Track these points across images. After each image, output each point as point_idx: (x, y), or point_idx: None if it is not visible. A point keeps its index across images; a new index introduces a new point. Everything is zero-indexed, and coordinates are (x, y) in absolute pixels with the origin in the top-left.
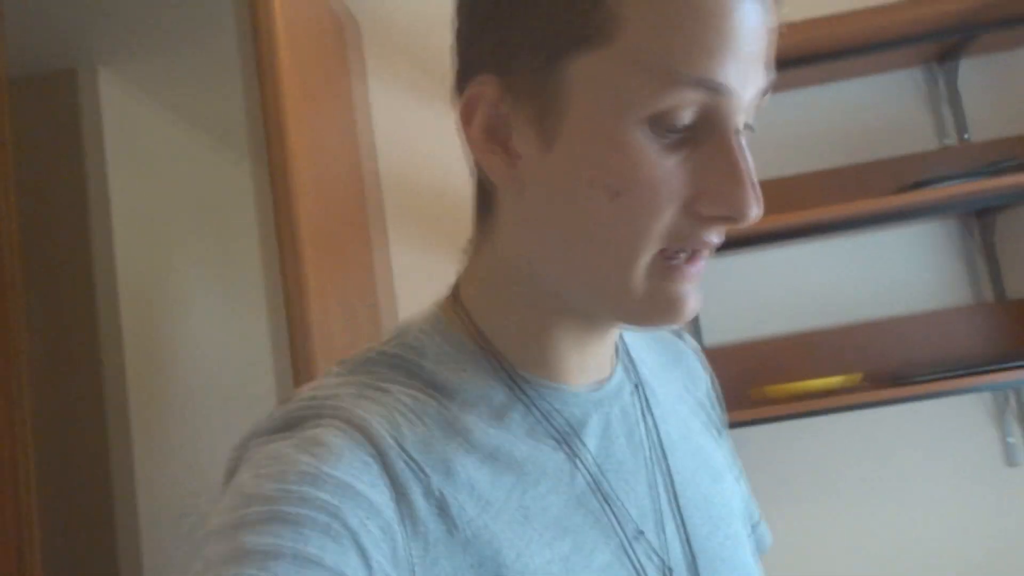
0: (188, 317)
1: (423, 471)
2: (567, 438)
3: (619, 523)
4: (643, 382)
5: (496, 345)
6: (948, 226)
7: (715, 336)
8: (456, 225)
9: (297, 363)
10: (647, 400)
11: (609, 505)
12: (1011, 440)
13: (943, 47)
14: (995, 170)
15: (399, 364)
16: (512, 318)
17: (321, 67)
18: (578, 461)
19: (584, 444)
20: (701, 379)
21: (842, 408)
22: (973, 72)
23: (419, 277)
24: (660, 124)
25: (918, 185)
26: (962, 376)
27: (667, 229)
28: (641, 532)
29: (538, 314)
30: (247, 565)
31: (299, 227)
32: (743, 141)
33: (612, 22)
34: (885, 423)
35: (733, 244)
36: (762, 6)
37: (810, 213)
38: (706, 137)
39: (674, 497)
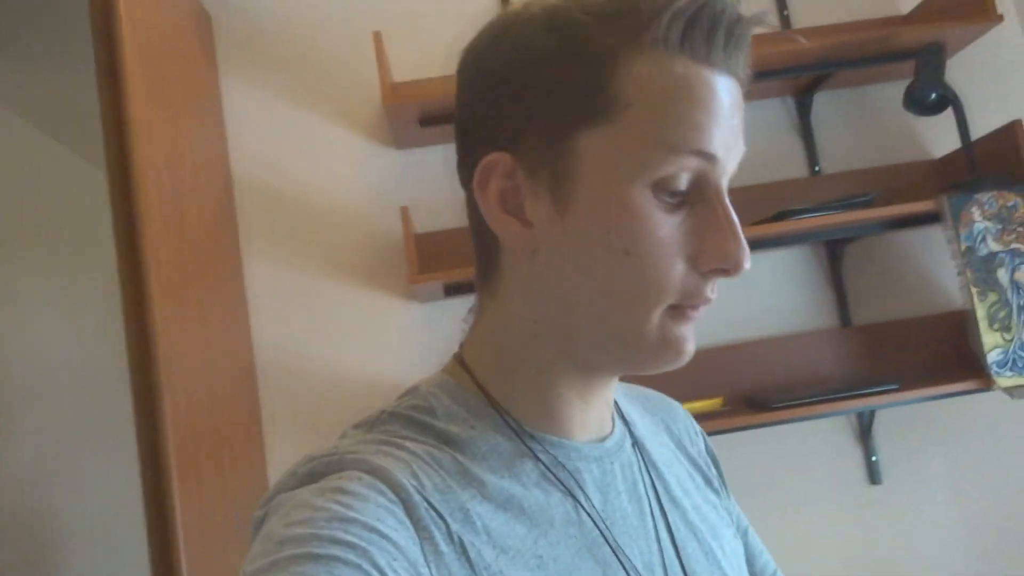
0: (26, 321)
1: (442, 517)
2: (572, 490)
3: (624, 570)
4: (639, 440)
5: (502, 403)
6: (806, 253)
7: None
8: (309, 231)
9: (136, 369)
10: (645, 456)
11: (616, 556)
12: (875, 459)
13: (803, 81)
14: (844, 205)
15: (411, 421)
16: (517, 378)
17: (175, 64)
18: (584, 512)
19: (589, 496)
20: (695, 439)
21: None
22: (827, 106)
23: (273, 284)
24: (662, 189)
25: (778, 217)
26: (819, 402)
27: (679, 283)
28: None
29: (542, 374)
30: None
31: (143, 234)
32: (728, 201)
33: (617, 103)
34: (750, 445)
35: None
36: (736, 87)
37: None
38: (699, 199)
39: (675, 551)
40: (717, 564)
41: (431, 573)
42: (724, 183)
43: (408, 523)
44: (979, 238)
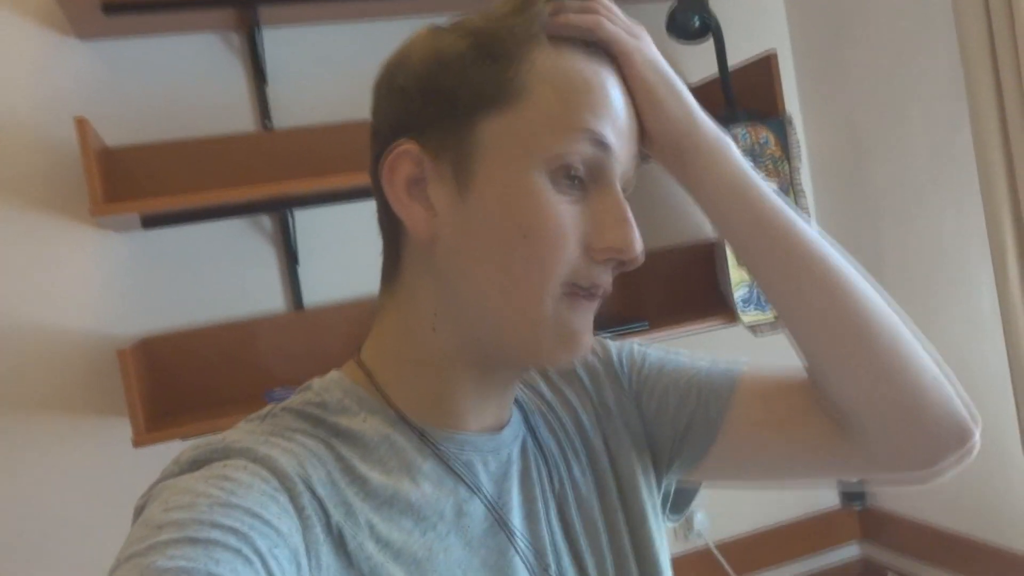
0: None
1: (324, 508)
2: (465, 479)
3: (521, 559)
4: (535, 426)
5: (395, 399)
6: None
7: (316, 296)
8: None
9: None
10: (540, 442)
11: (512, 543)
12: None
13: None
14: None
15: (303, 415)
16: (409, 374)
17: None
18: (479, 501)
19: (482, 485)
20: (600, 374)
21: None
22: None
23: None
24: (559, 173)
25: None
26: None
27: (570, 266)
28: (539, 564)
29: (441, 368)
30: None
31: None
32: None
33: (517, 89)
34: None
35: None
36: (617, 81)
37: None
38: (593, 187)
39: (567, 535)
40: (619, 544)
41: (310, 563)
42: (619, 176)
43: (292, 511)
44: None
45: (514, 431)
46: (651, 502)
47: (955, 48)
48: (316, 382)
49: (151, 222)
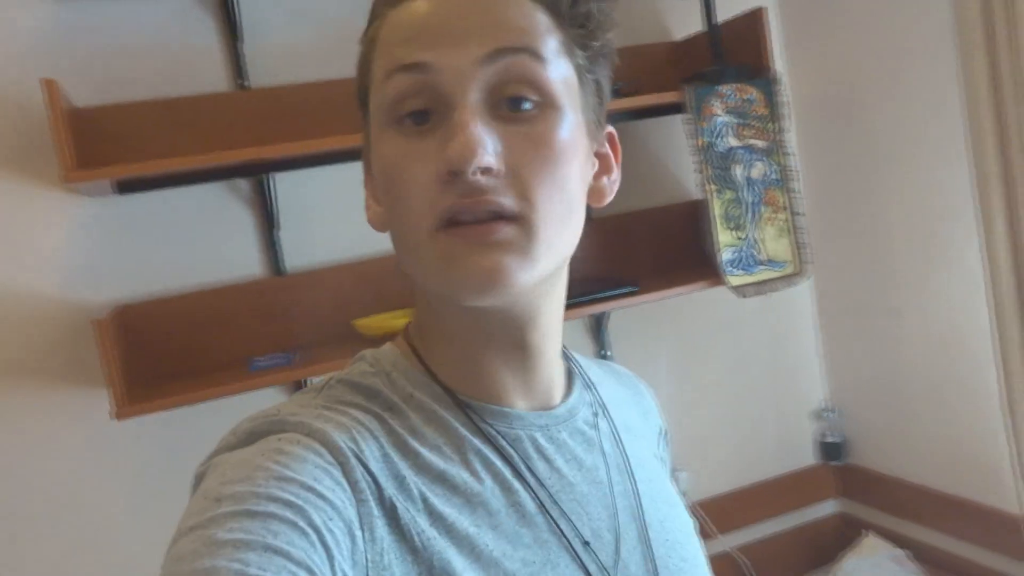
0: None
1: (377, 482)
2: (511, 459)
3: (568, 540)
4: (605, 406)
5: (438, 373)
6: None
7: (297, 261)
8: None
9: None
10: (612, 423)
11: (556, 523)
12: (608, 354)
13: None
14: None
15: (358, 388)
16: (442, 346)
17: None
18: (523, 481)
19: (529, 464)
20: (655, 418)
21: None
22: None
23: None
24: (394, 116)
25: None
26: None
27: (429, 204)
28: (588, 545)
29: (457, 343)
30: (219, 556)
31: None
32: (472, 107)
33: (371, 64)
34: None
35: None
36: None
37: None
38: (445, 118)
39: (640, 515)
40: (673, 533)
41: (364, 536)
42: (469, 92)
43: (345, 484)
44: (719, 132)
45: (570, 410)
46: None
47: (945, 2)
48: (369, 353)
49: (125, 187)
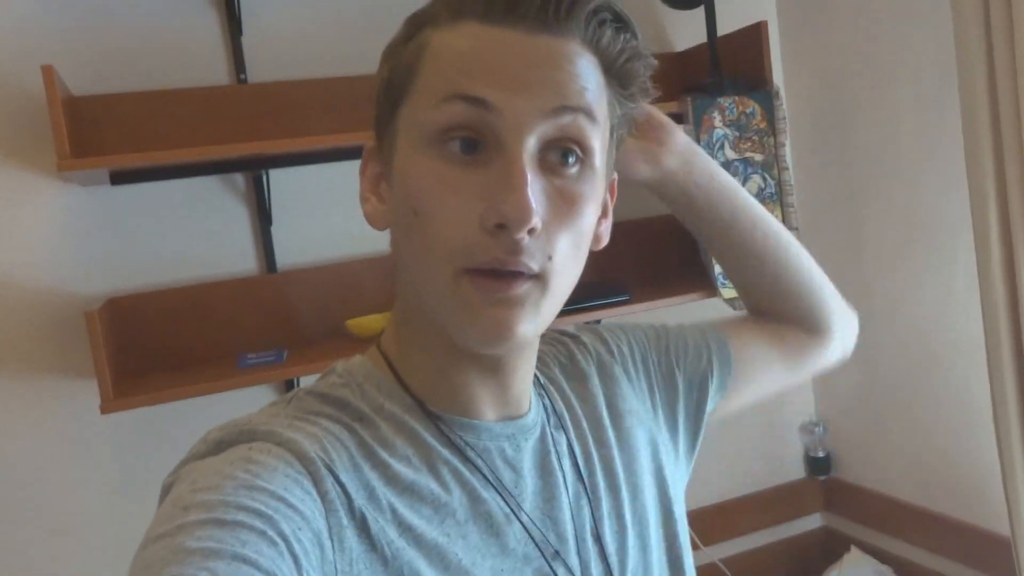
0: None
1: (347, 492)
2: (481, 468)
3: (537, 547)
4: (564, 413)
5: (410, 384)
6: None
7: (290, 258)
8: None
9: None
10: (570, 431)
11: (527, 531)
12: None
13: None
14: None
15: (327, 399)
16: (418, 358)
17: None
18: (493, 490)
19: (498, 474)
20: (592, 365)
21: None
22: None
23: None
24: (440, 141)
25: None
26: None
27: (465, 243)
28: (557, 553)
29: (438, 352)
30: (187, 564)
31: None
32: (526, 157)
33: (416, 76)
34: None
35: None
36: (543, 42)
37: None
38: (496, 157)
39: (594, 523)
40: (641, 532)
41: (333, 546)
42: (524, 138)
43: (315, 494)
44: (718, 145)
45: (533, 419)
46: (675, 491)
47: (945, 16)
48: (339, 365)
49: (120, 178)
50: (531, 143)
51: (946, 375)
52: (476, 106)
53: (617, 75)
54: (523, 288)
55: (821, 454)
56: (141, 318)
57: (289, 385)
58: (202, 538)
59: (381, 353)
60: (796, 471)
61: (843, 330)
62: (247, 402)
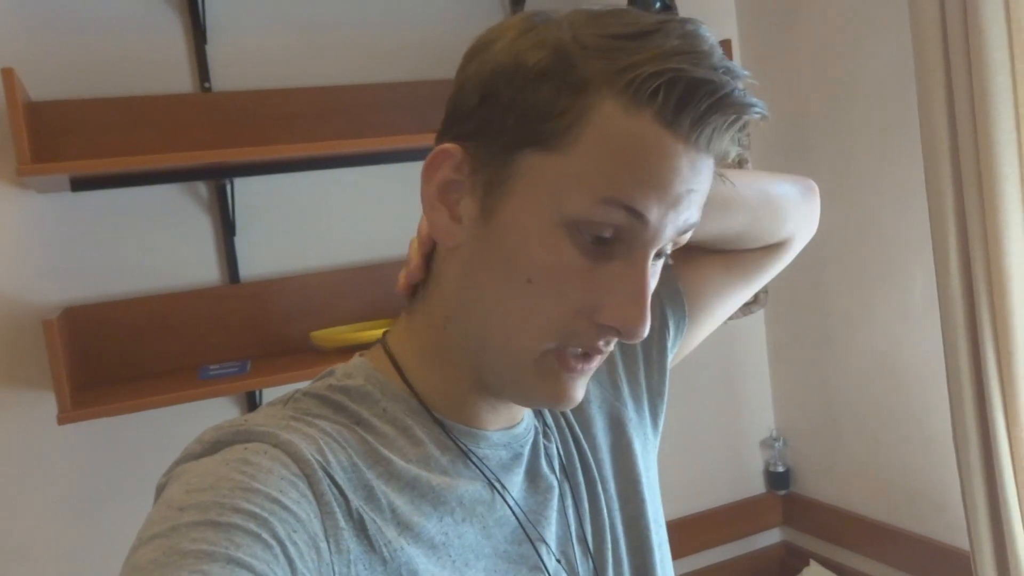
0: None
1: (344, 493)
2: (483, 472)
3: (533, 547)
4: (549, 425)
5: (417, 390)
6: None
7: (253, 268)
8: None
9: None
10: (552, 433)
11: (524, 533)
12: None
13: None
14: None
15: (325, 401)
16: (434, 369)
17: None
18: (496, 493)
19: (498, 478)
20: (606, 379)
21: None
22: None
23: None
24: (583, 232)
25: None
26: None
27: (565, 326)
28: (548, 554)
29: (448, 367)
30: (180, 567)
31: None
32: (650, 267)
33: (569, 136)
34: None
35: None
36: (700, 159)
37: (375, 141)
38: (620, 254)
39: (582, 530)
40: (632, 529)
41: (330, 548)
42: (654, 248)
43: (311, 497)
44: None
45: (526, 428)
46: (644, 464)
47: (905, 38)
48: (339, 367)
49: (80, 184)
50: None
51: (905, 390)
52: (636, 218)
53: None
54: (593, 365)
55: (781, 469)
56: (101, 328)
57: (251, 397)
58: (196, 540)
59: (388, 355)
60: (756, 486)
61: (805, 227)
62: (209, 414)
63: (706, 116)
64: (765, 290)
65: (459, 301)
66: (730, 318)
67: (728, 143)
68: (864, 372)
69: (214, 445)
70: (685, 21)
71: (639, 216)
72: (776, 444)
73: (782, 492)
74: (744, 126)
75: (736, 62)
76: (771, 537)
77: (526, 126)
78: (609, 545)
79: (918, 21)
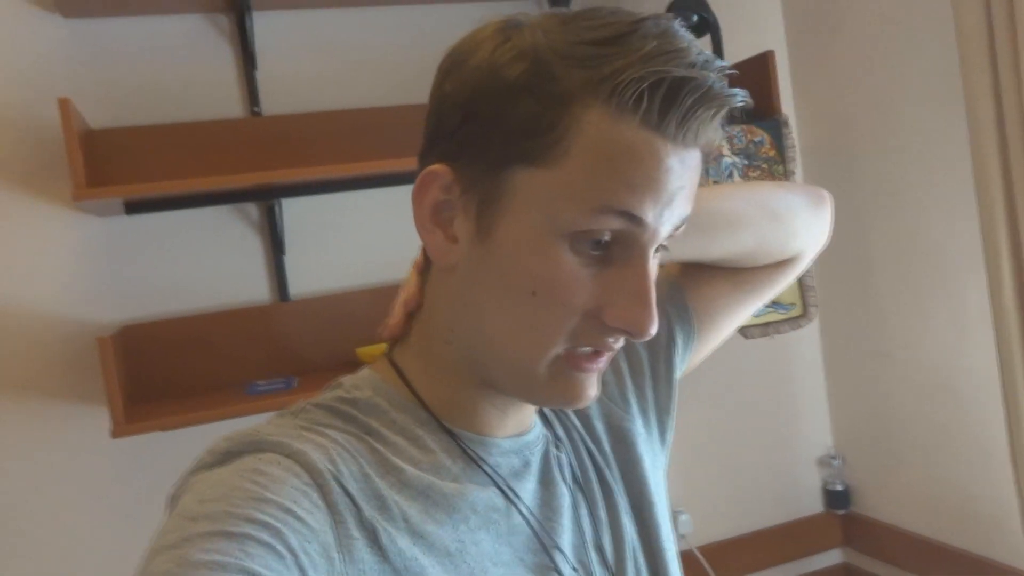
0: None
1: (356, 503)
2: (495, 480)
3: (547, 555)
4: (556, 423)
5: (425, 400)
6: None
7: (302, 287)
8: None
9: None
10: (564, 443)
11: (539, 541)
12: None
13: None
14: None
15: (334, 412)
16: (440, 380)
17: None
18: (505, 501)
19: (509, 485)
20: (616, 394)
21: None
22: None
23: None
24: (582, 240)
25: None
26: None
27: (573, 331)
28: (562, 562)
29: (454, 379)
30: None
31: None
32: (651, 265)
33: (559, 149)
34: None
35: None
36: (690, 156)
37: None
38: (620, 257)
39: (595, 535)
40: (647, 540)
41: (342, 558)
42: (652, 247)
43: (323, 507)
44: (726, 173)
45: (536, 435)
46: (654, 479)
47: (951, 47)
48: (346, 379)
49: (134, 207)
50: (655, 250)
51: (961, 407)
52: (633, 223)
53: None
54: (604, 362)
55: (839, 487)
56: (153, 346)
57: None
58: (208, 550)
59: (393, 366)
60: (814, 505)
61: (814, 241)
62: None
63: (691, 113)
64: (815, 303)
65: (461, 318)
66: (778, 332)
67: (713, 133)
68: (920, 386)
69: (226, 455)
70: (659, 18)
71: (636, 220)
72: (834, 462)
73: (841, 512)
74: (726, 116)
75: (781, 75)
76: (831, 558)
77: (513, 143)
78: (628, 555)
79: (962, 23)
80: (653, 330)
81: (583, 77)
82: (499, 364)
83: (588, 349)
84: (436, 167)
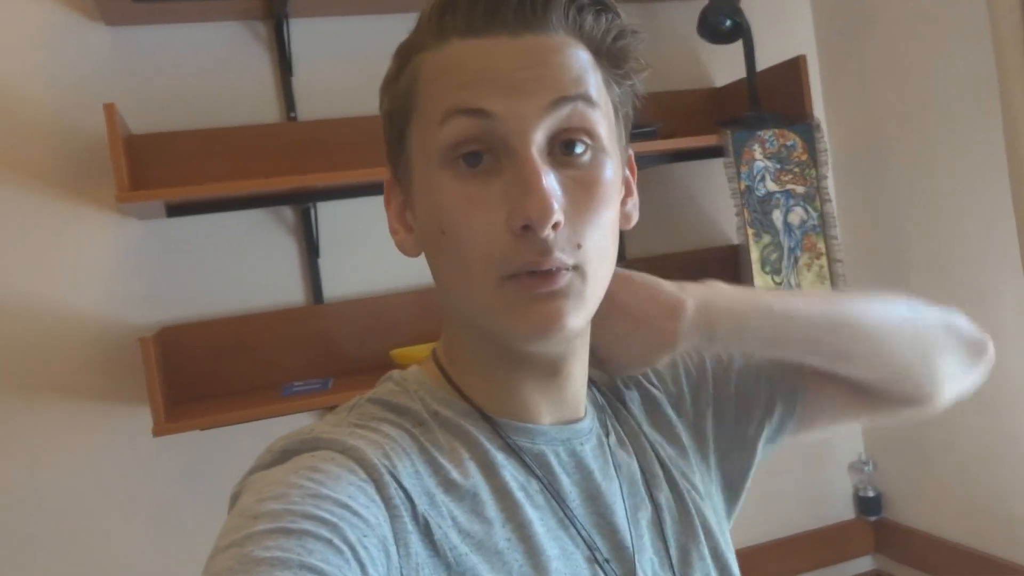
0: None
1: (411, 498)
2: (537, 471)
3: (590, 550)
4: (614, 426)
5: (466, 392)
6: None
7: (336, 289)
8: None
9: None
10: (626, 444)
11: (581, 536)
12: None
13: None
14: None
15: (388, 405)
16: (471, 368)
17: None
18: (550, 494)
19: (556, 477)
20: (661, 403)
21: None
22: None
23: None
24: (452, 158)
25: None
26: None
27: (499, 252)
28: (608, 560)
29: (491, 361)
30: (255, 574)
31: None
32: (536, 161)
33: (415, 99)
34: None
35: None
36: (530, 40)
37: None
38: (504, 165)
39: (660, 530)
40: (699, 540)
41: (399, 551)
42: (532, 141)
43: (379, 501)
44: (758, 177)
45: (588, 426)
46: (720, 521)
47: (987, 49)
48: (396, 374)
49: (175, 210)
50: (538, 141)
51: (996, 412)
52: (477, 117)
53: (608, 56)
54: (564, 281)
55: (871, 493)
56: (192, 347)
57: None
58: (269, 547)
59: (435, 363)
60: (844, 511)
61: (954, 387)
62: (292, 429)
63: (492, 4)
64: None
65: (445, 294)
66: None
67: (553, 11)
68: None
69: (283, 454)
70: None
71: (482, 112)
72: (866, 467)
73: (873, 518)
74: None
75: (812, 79)
76: (862, 565)
77: (399, 117)
78: (694, 559)
79: (998, 23)
80: (552, 212)
81: (413, 37)
82: (473, 316)
83: (527, 270)
84: (387, 174)
